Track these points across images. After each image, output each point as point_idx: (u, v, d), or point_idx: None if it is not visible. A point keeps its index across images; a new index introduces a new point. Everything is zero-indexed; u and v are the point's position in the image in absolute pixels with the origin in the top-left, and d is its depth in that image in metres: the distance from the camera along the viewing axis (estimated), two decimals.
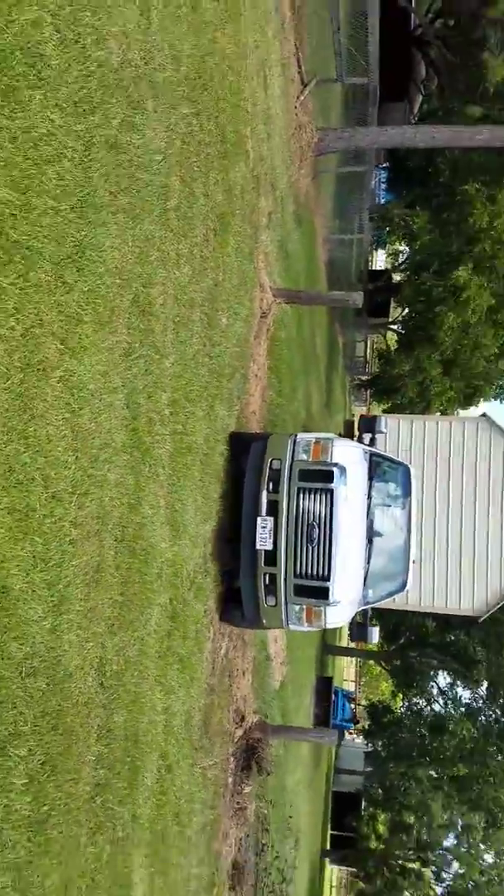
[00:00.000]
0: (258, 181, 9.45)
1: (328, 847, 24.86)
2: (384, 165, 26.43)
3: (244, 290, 8.77)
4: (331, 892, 36.69)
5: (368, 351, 37.96)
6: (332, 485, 6.76)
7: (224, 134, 7.51)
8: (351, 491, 7.01)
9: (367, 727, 27.57)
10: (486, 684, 23.42)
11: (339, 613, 6.97)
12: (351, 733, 28.07)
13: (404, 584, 8.63)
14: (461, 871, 26.99)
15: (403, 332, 20.69)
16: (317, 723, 17.02)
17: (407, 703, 27.62)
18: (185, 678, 6.52)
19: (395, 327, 29.56)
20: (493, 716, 24.06)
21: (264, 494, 6.86)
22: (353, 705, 27.11)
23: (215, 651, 7.79)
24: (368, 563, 7.85)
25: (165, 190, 5.78)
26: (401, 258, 24.14)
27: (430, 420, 13.56)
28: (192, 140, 6.46)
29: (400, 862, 28.78)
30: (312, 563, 6.63)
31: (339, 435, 17.57)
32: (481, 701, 24.63)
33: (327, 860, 27.51)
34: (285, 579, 6.74)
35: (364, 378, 32.02)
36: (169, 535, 5.95)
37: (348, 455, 7.26)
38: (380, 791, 28.71)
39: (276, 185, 10.94)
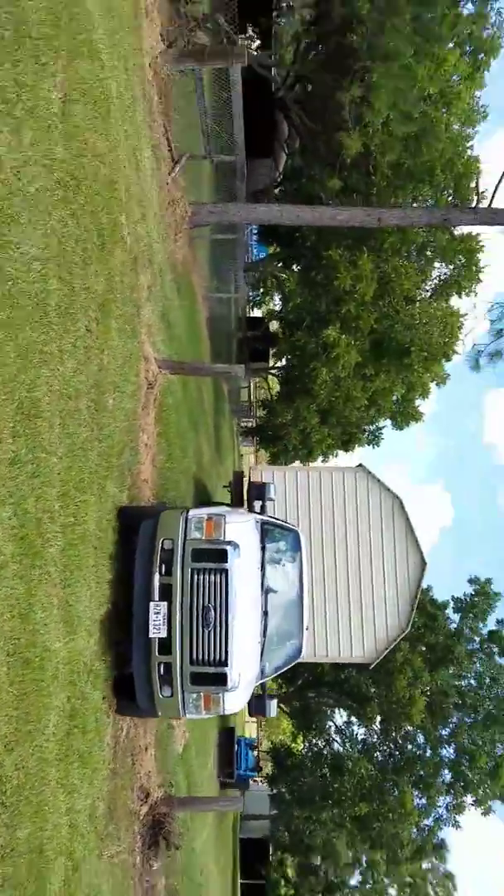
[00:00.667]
0: (136, 261, 9.73)
1: None
2: None
3: (129, 366, 8.95)
4: None
5: (252, 395, 39.11)
6: (227, 564, 6.77)
7: (100, 226, 7.75)
8: (245, 566, 7.10)
9: (270, 773, 27.60)
10: (379, 720, 24.23)
11: (237, 697, 6.92)
12: (255, 781, 27.95)
13: (299, 651, 8.86)
14: None
15: (283, 383, 21.47)
16: (223, 783, 16.93)
17: (307, 745, 27.96)
18: (86, 772, 6.46)
19: (274, 372, 30.69)
20: (388, 750, 24.85)
21: (156, 578, 6.73)
22: (255, 752, 27.06)
23: (116, 735, 7.72)
24: (264, 636, 7.98)
25: (45, 294, 5.92)
26: (275, 312, 25.12)
27: (312, 471, 14.14)
28: (69, 239, 6.64)
29: None
30: (209, 649, 6.57)
31: (228, 487, 17.94)
32: (376, 736, 25.41)
33: None
34: (181, 668, 6.63)
35: (249, 422, 32.83)
36: (63, 632, 5.94)
37: (241, 529, 7.32)
38: (286, 834, 28.74)
39: (154, 259, 11.28)
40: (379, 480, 14.04)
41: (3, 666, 4.64)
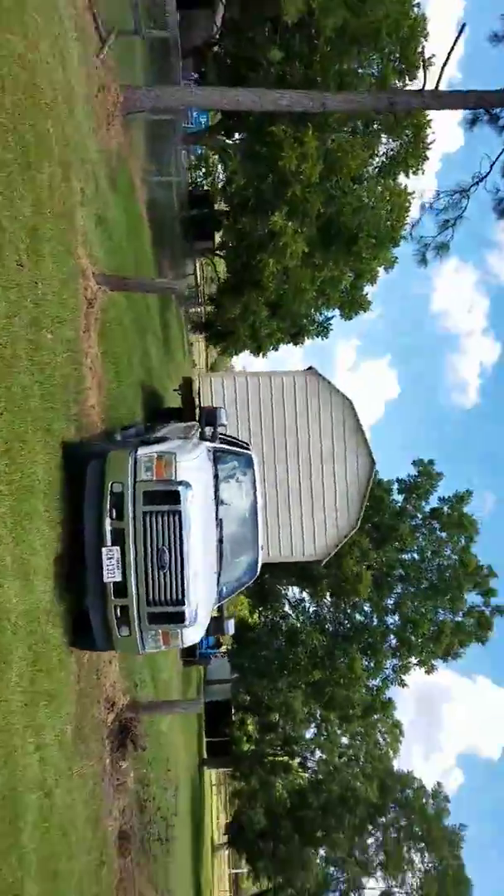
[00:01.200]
0: (67, 167, 8.96)
1: (206, 756, 26.66)
2: (193, 77, 25.28)
3: (67, 290, 8.42)
4: (211, 792, 39.48)
5: (199, 276, 37.77)
6: (180, 506, 6.62)
7: (24, 143, 7.04)
8: (198, 502, 6.95)
9: (229, 647, 29.27)
10: (329, 595, 25.69)
11: (195, 631, 7.02)
12: (216, 657, 29.68)
13: (256, 569, 9.06)
14: (323, 757, 30.36)
15: (230, 275, 20.74)
16: (187, 662, 17.83)
17: (263, 619, 29.61)
18: (53, 708, 6.69)
19: (219, 253, 29.52)
20: (338, 621, 26.55)
21: (108, 522, 6.53)
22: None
23: (79, 659, 7.97)
24: (221, 562, 8.05)
25: None
26: (219, 189, 23.75)
27: (262, 376, 13.98)
28: None
29: (270, 759, 31.64)
30: (165, 589, 6.54)
31: (178, 391, 17.63)
32: (327, 609, 27.04)
33: (205, 767, 29.43)
34: (137, 609, 6.59)
35: (198, 310, 31.95)
36: (20, 587, 5.95)
37: (192, 465, 7.08)
38: (247, 697, 30.96)
39: (86, 158, 10.40)
40: (329, 383, 14.00)
41: None
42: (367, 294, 22.86)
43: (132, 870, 10.20)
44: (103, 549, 6.52)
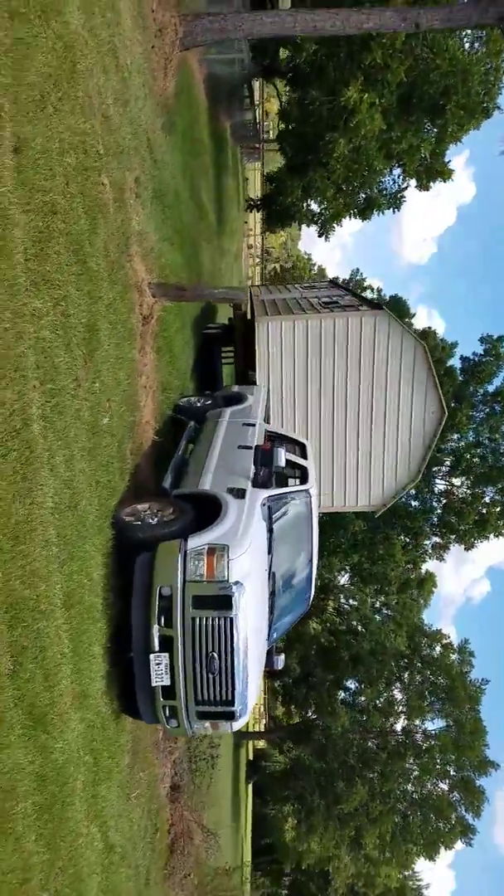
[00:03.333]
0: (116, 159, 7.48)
1: None
2: None
3: (123, 338, 7.45)
4: None
5: (258, 110, 33.88)
6: (232, 612, 6.19)
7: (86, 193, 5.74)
8: (252, 594, 6.53)
9: None
10: None
11: (245, 717, 6.88)
12: None
13: (309, 602, 8.75)
14: (356, 605, 31.99)
15: (293, 153, 18.27)
16: None
17: None
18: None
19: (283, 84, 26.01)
20: None
21: (155, 630, 6.20)
22: None
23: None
24: (272, 618, 7.77)
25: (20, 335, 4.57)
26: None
27: (325, 318, 12.65)
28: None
29: None
30: (215, 691, 6.29)
31: (228, 322, 16.24)
32: None
33: None
34: (186, 709, 6.43)
35: (255, 151, 28.99)
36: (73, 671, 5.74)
37: (246, 558, 6.47)
38: None
39: (139, 134, 8.73)
40: (401, 325, 12.64)
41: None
42: (448, 161, 20.20)
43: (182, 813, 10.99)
44: (151, 656, 6.25)
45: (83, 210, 6.13)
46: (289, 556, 8.09)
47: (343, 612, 34.83)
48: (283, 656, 8.31)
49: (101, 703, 6.29)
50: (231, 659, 6.23)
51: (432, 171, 19.57)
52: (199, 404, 10.40)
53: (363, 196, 20.01)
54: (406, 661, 31.47)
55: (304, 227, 22.57)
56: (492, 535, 26.65)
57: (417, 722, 30.99)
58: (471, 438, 26.95)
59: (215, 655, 6.19)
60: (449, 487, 27.24)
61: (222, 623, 6.18)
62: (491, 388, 26.83)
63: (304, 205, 20.16)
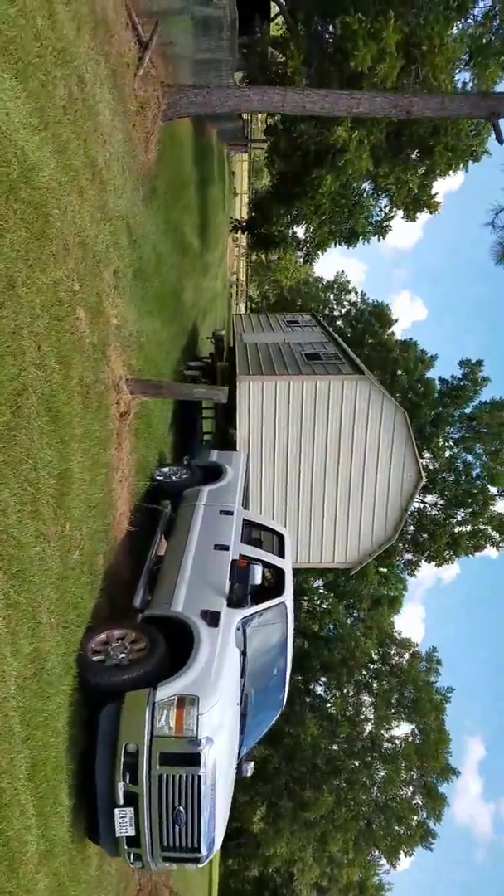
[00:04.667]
0: (84, 253, 7.32)
1: None
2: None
3: (97, 455, 7.33)
4: None
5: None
6: (200, 770, 6.03)
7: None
8: (222, 745, 6.44)
9: None
10: None
11: (212, 853, 6.69)
12: None
13: (282, 705, 8.77)
14: (328, 609, 32.52)
15: (278, 183, 18.06)
16: None
17: None
18: None
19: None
20: None
21: (120, 787, 5.99)
22: None
23: None
24: (242, 737, 7.72)
25: None
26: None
27: (306, 380, 12.60)
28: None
29: None
30: (181, 839, 6.19)
31: (211, 338, 16.22)
32: None
33: None
34: (152, 853, 6.31)
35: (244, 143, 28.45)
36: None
37: (217, 708, 6.33)
38: None
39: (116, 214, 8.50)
40: (382, 391, 12.64)
41: None
42: (435, 194, 20.10)
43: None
44: (116, 810, 6.07)
45: (56, 361, 5.93)
46: (263, 672, 8.06)
47: (316, 614, 35.25)
48: (251, 764, 8.28)
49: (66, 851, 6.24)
50: (198, 811, 6.13)
51: (419, 203, 19.50)
52: (175, 478, 10.31)
53: (348, 225, 19.90)
54: (375, 670, 32.03)
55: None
56: (462, 556, 27.09)
57: (383, 732, 31.60)
58: (445, 459, 27.24)
59: (182, 810, 6.06)
60: (422, 507, 27.50)
61: (190, 779, 6.05)
62: (468, 411, 27.11)
63: (290, 231, 20.03)
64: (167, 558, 8.66)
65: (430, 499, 27.63)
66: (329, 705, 31.38)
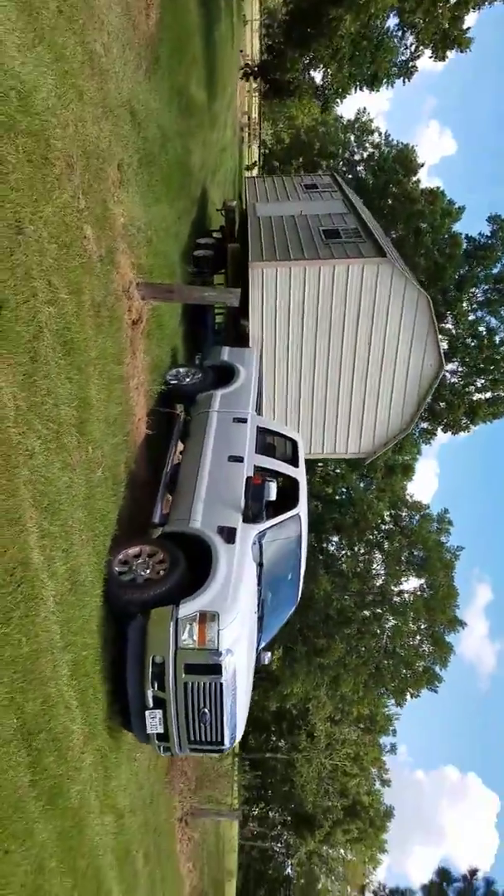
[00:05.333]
0: None
1: None
2: None
3: (113, 371, 7.08)
4: None
5: None
6: (221, 677, 6.46)
7: None
8: (241, 652, 6.77)
9: None
10: None
11: (234, 742, 7.24)
12: None
13: (296, 601, 8.94)
14: (341, 473, 32.90)
15: (291, 18, 15.95)
16: None
17: None
18: None
19: None
20: None
21: (149, 693, 6.49)
22: None
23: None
24: (260, 633, 7.96)
25: None
26: None
27: (325, 266, 11.68)
28: None
29: None
30: (206, 734, 6.71)
31: (221, 210, 15.00)
32: None
33: None
34: (179, 745, 6.86)
35: None
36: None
37: (237, 621, 6.62)
38: None
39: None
40: (405, 276, 11.71)
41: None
42: (467, 29, 17.76)
43: None
44: (146, 712, 6.58)
45: (68, 292, 5.80)
46: (278, 576, 8.18)
47: (330, 479, 35.77)
48: (269, 654, 8.76)
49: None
50: (220, 711, 6.58)
51: (449, 39, 17.31)
52: (188, 380, 9.92)
53: (371, 68, 17.76)
54: (386, 531, 32.91)
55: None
56: (480, 424, 26.79)
57: (393, 587, 32.97)
58: (468, 323, 26.20)
59: (206, 711, 6.54)
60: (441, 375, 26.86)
61: (213, 686, 6.47)
62: (495, 272, 25.67)
63: (306, 76, 18.04)
64: (183, 469, 8.60)
65: (449, 367, 26.91)
66: (341, 562, 32.56)
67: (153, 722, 6.59)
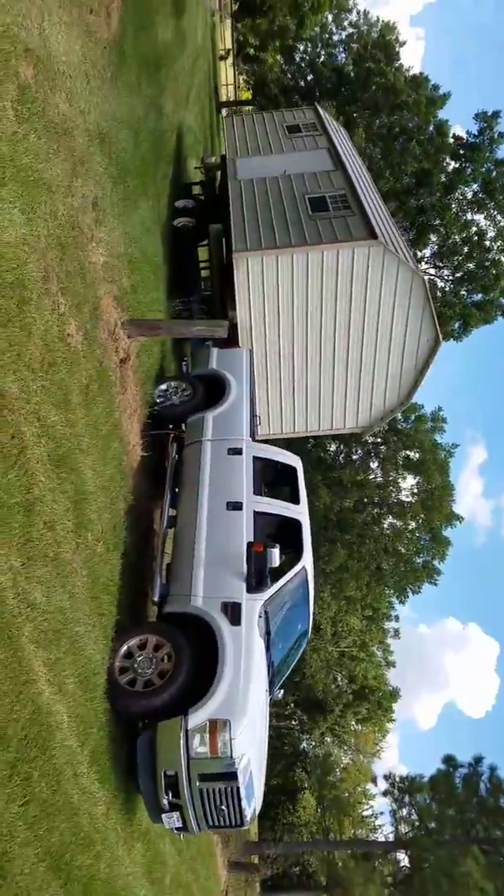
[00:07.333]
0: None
1: None
2: None
3: (106, 434, 7.04)
4: None
5: None
6: (237, 782, 6.43)
7: None
8: (255, 747, 6.78)
9: None
10: None
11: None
12: None
13: (306, 639, 8.97)
14: None
15: None
16: None
17: None
18: None
19: None
20: None
21: (165, 802, 6.51)
22: None
23: None
24: (271, 686, 7.89)
25: None
26: None
27: (313, 252, 11.04)
28: None
29: None
30: (225, 822, 6.77)
31: (200, 168, 13.94)
32: None
33: None
34: (199, 830, 6.93)
35: None
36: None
37: (248, 727, 6.50)
38: None
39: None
40: (398, 256, 11.12)
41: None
42: None
43: None
44: (163, 816, 6.66)
45: (56, 414, 5.77)
46: (287, 627, 8.15)
47: None
48: (282, 691, 8.84)
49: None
50: (239, 805, 6.69)
51: None
52: (176, 398, 9.68)
53: None
54: (382, 434, 33.17)
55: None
56: (472, 330, 26.39)
57: (392, 489, 33.67)
58: (459, 225, 25.17)
59: (224, 808, 6.65)
60: (434, 278, 26.15)
61: (229, 790, 6.53)
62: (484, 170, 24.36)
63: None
64: (180, 520, 8.39)
65: (442, 274, 26.16)
66: (337, 475, 33.06)
67: (170, 821, 6.70)
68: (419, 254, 26.34)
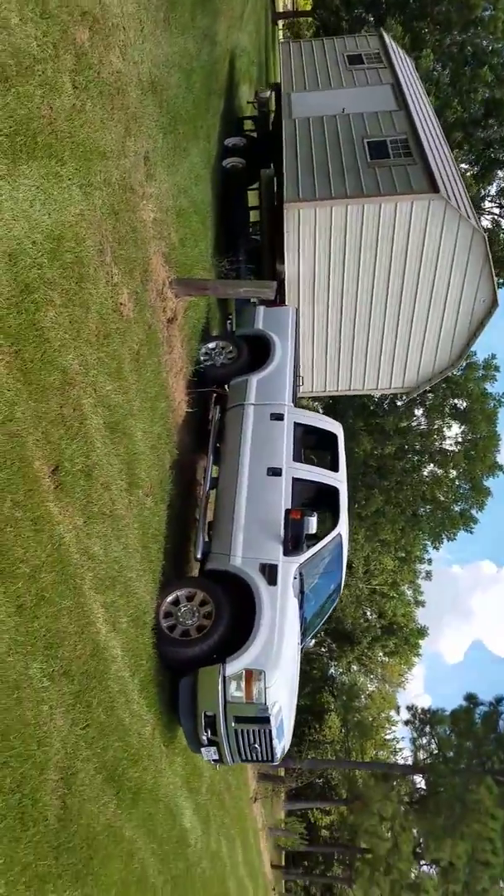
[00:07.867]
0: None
1: None
2: None
3: (154, 408, 7.24)
4: None
5: None
6: (270, 725, 6.99)
7: None
8: (286, 693, 7.20)
9: None
10: None
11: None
12: None
13: (338, 595, 9.18)
14: None
15: None
16: None
17: None
18: None
19: None
20: None
21: (204, 738, 7.07)
22: None
23: None
24: (303, 639, 8.34)
25: None
26: None
27: (369, 203, 10.40)
28: None
29: None
30: (258, 757, 7.31)
31: (254, 103, 13.17)
32: None
33: None
34: (233, 762, 7.48)
35: None
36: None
37: (281, 676, 7.00)
38: None
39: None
40: (459, 211, 10.43)
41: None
42: None
43: None
44: (202, 749, 7.24)
45: (112, 385, 6.01)
46: (320, 587, 8.45)
47: None
48: (313, 641, 9.25)
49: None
50: (270, 744, 7.22)
51: None
52: (220, 359, 9.54)
53: None
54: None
55: None
56: None
57: (435, 437, 33.05)
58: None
59: (257, 746, 7.19)
60: (498, 217, 24.77)
61: (262, 732, 7.06)
62: None
63: None
64: (222, 482, 8.58)
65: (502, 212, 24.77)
66: (380, 421, 32.55)
67: (209, 754, 7.29)
68: (483, 191, 24.95)
